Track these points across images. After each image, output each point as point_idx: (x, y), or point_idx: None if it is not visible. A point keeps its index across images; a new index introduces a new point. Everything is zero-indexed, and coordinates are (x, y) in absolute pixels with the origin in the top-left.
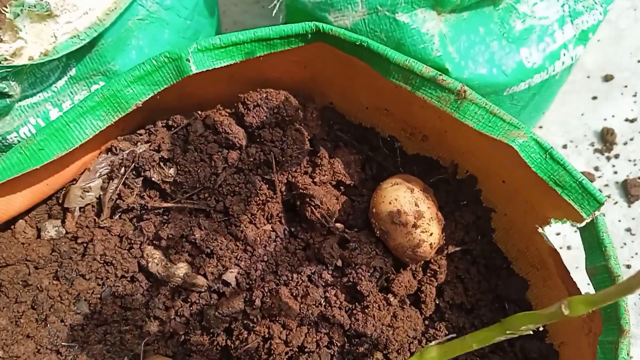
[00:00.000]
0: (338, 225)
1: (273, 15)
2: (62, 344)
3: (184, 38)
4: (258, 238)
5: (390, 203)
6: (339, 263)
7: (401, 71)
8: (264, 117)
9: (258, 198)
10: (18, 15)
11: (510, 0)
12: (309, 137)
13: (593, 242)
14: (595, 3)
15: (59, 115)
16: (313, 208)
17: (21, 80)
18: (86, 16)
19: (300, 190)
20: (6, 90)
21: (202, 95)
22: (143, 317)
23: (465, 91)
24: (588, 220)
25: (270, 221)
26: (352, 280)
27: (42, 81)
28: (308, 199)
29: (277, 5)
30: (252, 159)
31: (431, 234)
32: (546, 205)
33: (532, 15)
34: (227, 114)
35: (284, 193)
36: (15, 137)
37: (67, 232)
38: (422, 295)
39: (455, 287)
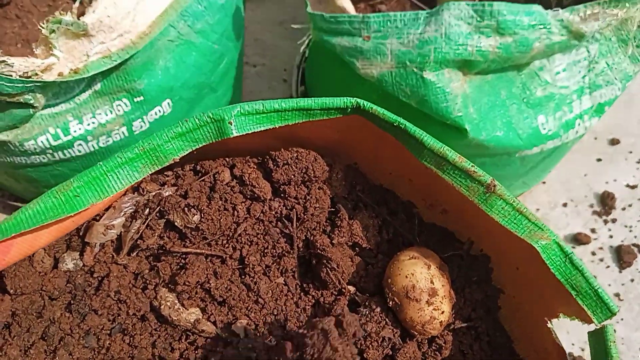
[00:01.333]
0: (350, 287)
1: (299, 50)
2: None
3: (210, 61)
4: (270, 291)
5: (406, 277)
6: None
7: (434, 157)
8: (292, 176)
9: (275, 250)
10: (54, 32)
11: (534, 67)
12: (331, 196)
13: (600, 349)
14: (615, 79)
15: (97, 164)
16: (329, 270)
17: (47, 92)
18: (120, 38)
19: (318, 251)
20: (31, 101)
21: (233, 144)
22: (149, 356)
23: (495, 185)
24: (598, 327)
25: (283, 274)
26: (359, 347)
27: (66, 92)
28: (325, 261)
29: (305, 42)
30: (273, 212)
31: (442, 312)
32: (558, 301)
33: (553, 83)
34: (255, 166)
35: (301, 249)
36: (32, 144)
37: (84, 265)
38: None
39: None
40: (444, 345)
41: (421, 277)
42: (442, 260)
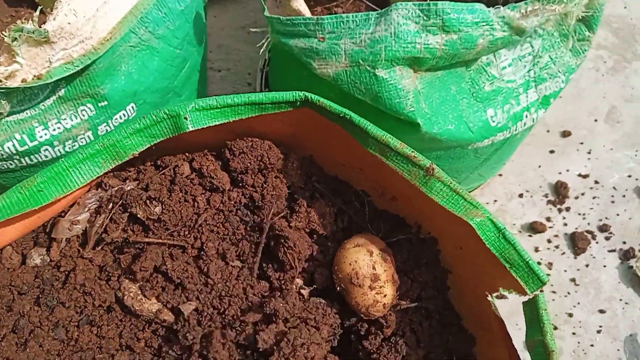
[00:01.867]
0: (298, 280)
1: (260, 52)
2: None
3: (172, 66)
4: (220, 273)
5: (350, 264)
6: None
7: (378, 144)
8: (248, 164)
9: (234, 237)
10: (16, 39)
11: (481, 63)
12: (287, 184)
13: (533, 317)
14: (559, 72)
15: (59, 160)
16: (286, 249)
17: (11, 98)
18: (82, 44)
19: (277, 232)
20: None
21: (191, 139)
22: (116, 345)
23: (433, 169)
24: (531, 297)
25: (240, 257)
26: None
27: (31, 99)
28: (283, 240)
29: (265, 45)
30: (233, 202)
31: (385, 295)
32: (496, 275)
33: (501, 78)
34: (213, 159)
35: (257, 235)
36: None
37: (51, 260)
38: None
39: (409, 339)
40: (385, 324)
41: (363, 264)
42: (386, 246)
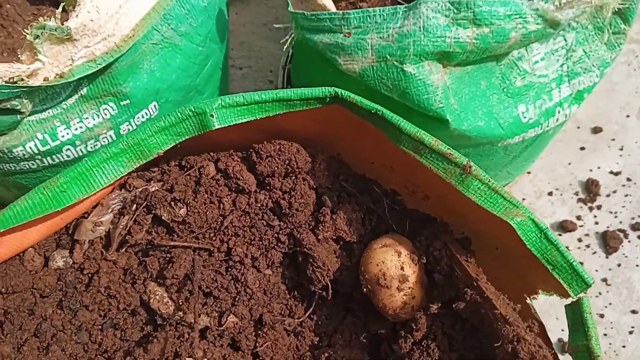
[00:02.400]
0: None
1: (283, 49)
2: None
3: (195, 64)
4: (258, 282)
5: (377, 265)
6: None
7: (412, 141)
8: (275, 167)
9: (262, 242)
10: (38, 37)
11: (512, 57)
12: (314, 186)
13: (577, 320)
14: (593, 66)
15: (82, 160)
16: (315, 268)
17: (33, 97)
18: (104, 42)
19: (304, 249)
20: (18, 107)
21: (216, 138)
22: (140, 350)
23: (470, 167)
24: (574, 299)
25: (270, 267)
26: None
27: (53, 98)
28: (311, 260)
29: (288, 41)
30: (259, 205)
31: (414, 297)
32: (536, 278)
33: (532, 72)
34: (239, 159)
35: (286, 244)
36: (21, 150)
37: (74, 263)
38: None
39: (442, 343)
40: (415, 327)
41: (391, 265)
42: (415, 247)
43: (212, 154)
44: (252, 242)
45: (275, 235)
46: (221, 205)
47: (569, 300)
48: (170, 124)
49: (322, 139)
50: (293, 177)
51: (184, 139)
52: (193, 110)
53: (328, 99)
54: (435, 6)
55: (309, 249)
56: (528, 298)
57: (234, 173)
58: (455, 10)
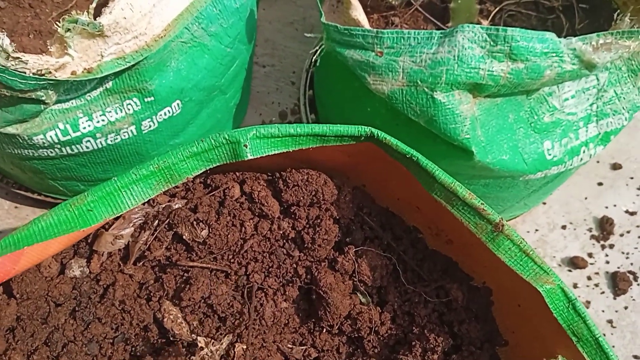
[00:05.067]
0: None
1: (310, 52)
2: None
3: (221, 64)
4: (273, 316)
5: None
6: None
7: (445, 191)
8: (301, 197)
9: (279, 271)
10: (69, 30)
11: (543, 92)
12: (337, 217)
13: None
14: (623, 109)
15: (111, 179)
16: (327, 311)
17: (58, 89)
18: (135, 40)
19: (320, 291)
20: (43, 98)
21: (244, 160)
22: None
23: (503, 225)
24: None
25: (287, 301)
26: None
27: (77, 89)
28: (324, 303)
29: (318, 51)
30: (281, 232)
31: None
32: (558, 344)
33: (562, 109)
34: (265, 184)
35: (303, 277)
36: (41, 138)
37: (90, 272)
38: None
39: None
40: None
41: None
42: None
43: (237, 174)
44: (270, 270)
45: (294, 265)
46: (243, 228)
47: None
48: (203, 150)
49: (350, 169)
50: (318, 208)
51: (214, 165)
52: (227, 138)
53: (363, 137)
54: (472, 36)
55: (324, 292)
56: None
57: (259, 198)
58: (492, 43)
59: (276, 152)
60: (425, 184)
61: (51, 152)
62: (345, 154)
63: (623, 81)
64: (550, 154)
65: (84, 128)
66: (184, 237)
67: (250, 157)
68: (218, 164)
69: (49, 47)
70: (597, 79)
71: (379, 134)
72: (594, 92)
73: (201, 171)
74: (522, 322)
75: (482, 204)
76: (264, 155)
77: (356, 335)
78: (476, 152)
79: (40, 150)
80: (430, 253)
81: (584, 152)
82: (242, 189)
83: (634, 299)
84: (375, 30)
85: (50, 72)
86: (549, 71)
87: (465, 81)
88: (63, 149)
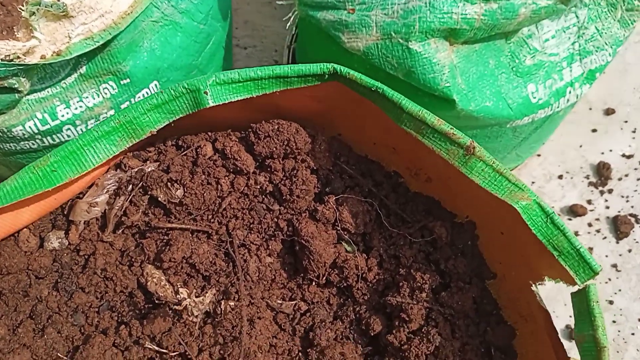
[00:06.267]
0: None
1: (287, 27)
2: (58, 355)
3: (196, 42)
4: (258, 270)
5: None
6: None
7: (413, 120)
8: (274, 148)
9: (260, 226)
10: (34, 14)
11: (522, 35)
12: (315, 168)
13: (583, 309)
14: (606, 44)
15: (73, 139)
16: (311, 260)
17: (31, 76)
18: (102, 19)
19: (302, 240)
20: (16, 85)
21: (213, 117)
22: (138, 332)
23: (474, 147)
24: (581, 287)
25: (270, 255)
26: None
27: (52, 77)
28: (308, 252)
29: (292, 18)
30: (258, 187)
31: None
32: (542, 263)
33: (543, 51)
34: (237, 139)
35: (284, 230)
36: (20, 130)
37: (69, 244)
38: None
39: (443, 330)
40: (408, 318)
41: None
42: None
43: (209, 133)
44: (252, 226)
45: (275, 219)
46: (219, 186)
47: (575, 288)
48: (163, 102)
49: (323, 118)
50: (293, 159)
51: (177, 117)
52: (186, 87)
53: (327, 75)
54: None
55: (306, 241)
56: (534, 285)
57: (232, 153)
58: None
59: (239, 97)
60: (394, 117)
61: (33, 144)
62: (314, 99)
63: (603, 16)
64: (535, 97)
65: (62, 116)
66: (159, 199)
67: (212, 103)
68: (180, 115)
69: (15, 33)
70: (577, 17)
71: (342, 69)
72: (574, 30)
73: (165, 124)
74: (507, 249)
75: (451, 128)
76: (227, 102)
77: (345, 284)
78: (458, 100)
79: (22, 142)
80: (412, 195)
81: (569, 92)
82: (214, 146)
83: (637, 242)
84: None
85: (18, 57)
86: (523, 9)
87: (439, 27)
88: (44, 139)
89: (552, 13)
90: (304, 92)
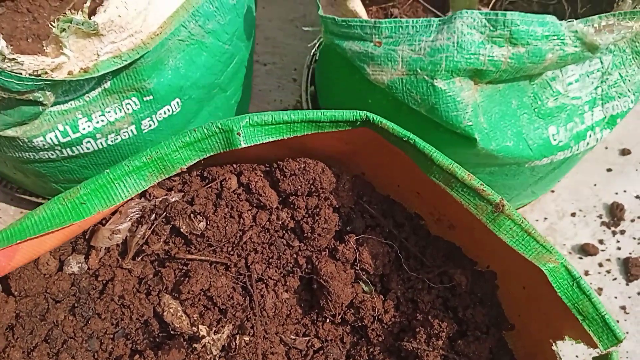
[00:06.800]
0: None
1: (308, 47)
2: None
3: (220, 61)
4: (275, 307)
5: None
6: None
7: (443, 173)
8: (299, 186)
9: (279, 262)
10: (64, 30)
11: (546, 77)
12: (337, 206)
13: None
14: (629, 91)
15: (104, 172)
16: (329, 300)
17: (56, 90)
18: (131, 38)
19: (321, 280)
20: (41, 99)
21: (240, 151)
22: (151, 354)
23: (503, 205)
24: (603, 353)
25: (288, 292)
26: None
27: (76, 90)
28: (326, 292)
29: (317, 45)
30: (280, 222)
31: None
32: (564, 324)
33: (565, 94)
34: (262, 174)
35: (303, 267)
36: (41, 140)
37: (89, 268)
38: None
39: None
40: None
41: None
42: None
43: (234, 165)
44: (270, 261)
45: (294, 255)
46: (241, 220)
47: (596, 352)
48: (196, 140)
49: (348, 157)
50: (316, 197)
51: (208, 155)
52: (220, 127)
53: (359, 122)
54: (471, 22)
55: (325, 281)
56: (554, 344)
57: (257, 189)
58: (492, 28)
59: (270, 139)
60: (423, 167)
61: (52, 155)
62: (343, 141)
63: (627, 63)
64: (555, 139)
65: (84, 129)
66: (181, 230)
67: (244, 145)
68: (212, 153)
69: (45, 48)
70: (601, 62)
71: (375, 118)
72: (598, 75)
73: (195, 161)
74: (528, 304)
75: (481, 184)
76: (258, 143)
77: (360, 324)
78: (479, 139)
79: (41, 152)
80: (433, 239)
81: (590, 136)
82: (239, 180)
83: None
84: (372, 20)
85: (46, 73)
86: (550, 54)
87: (466, 67)
88: (64, 150)
89: (579, 59)
90: (333, 135)
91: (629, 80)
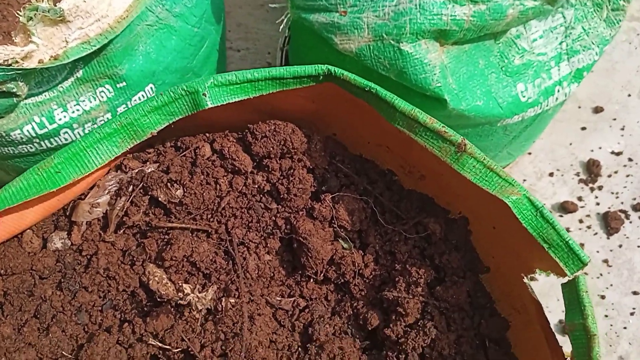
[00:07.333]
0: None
1: (280, 30)
2: (63, 353)
3: (190, 45)
4: (258, 268)
5: None
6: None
7: (406, 119)
8: (271, 148)
9: (259, 225)
10: (31, 19)
11: (510, 35)
12: (311, 167)
13: (573, 299)
14: (592, 43)
15: (76, 140)
16: (309, 257)
17: (29, 80)
18: (98, 23)
19: (300, 238)
20: (14, 90)
21: (211, 118)
22: (141, 330)
23: (465, 144)
24: (570, 278)
25: (270, 253)
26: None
27: (49, 81)
28: (305, 249)
29: (284, 21)
30: (256, 186)
31: None
32: (532, 256)
33: (531, 50)
34: (235, 140)
35: (282, 228)
36: (18, 134)
37: (72, 244)
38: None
39: (439, 323)
40: (404, 312)
41: None
42: None
43: (207, 134)
44: (250, 224)
45: (273, 218)
46: (217, 186)
47: (565, 279)
48: (163, 103)
49: (318, 118)
50: (290, 159)
51: (177, 118)
52: (185, 89)
53: (322, 77)
54: None
55: (304, 239)
56: (525, 277)
57: (230, 154)
58: None
59: (236, 99)
60: (387, 116)
61: (31, 148)
62: (310, 100)
63: (589, 16)
64: (524, 96)
65: (60, 119)
66: (159, 199)
67: (210, 105)
68: (180, 116)
69: (13, 37)
70: (564, 17)
71: (336, 71)
72: (561, 30)
73: (165, 125)
74: (499, 244)
75: (443, 126)
76: (225, 103)
77: (342, 280)
78: (449, 99)
79: (20, 146)
80: (406, 193)
81: (558, 91)
82: (212, 147)
83: (627, 237)
84: None
85: (17, 62)
86: (511, 10)
87: (430, 29)
88: (42, 142)
89: (539, 14)
90: (299, 93)
91: (592, 33)
